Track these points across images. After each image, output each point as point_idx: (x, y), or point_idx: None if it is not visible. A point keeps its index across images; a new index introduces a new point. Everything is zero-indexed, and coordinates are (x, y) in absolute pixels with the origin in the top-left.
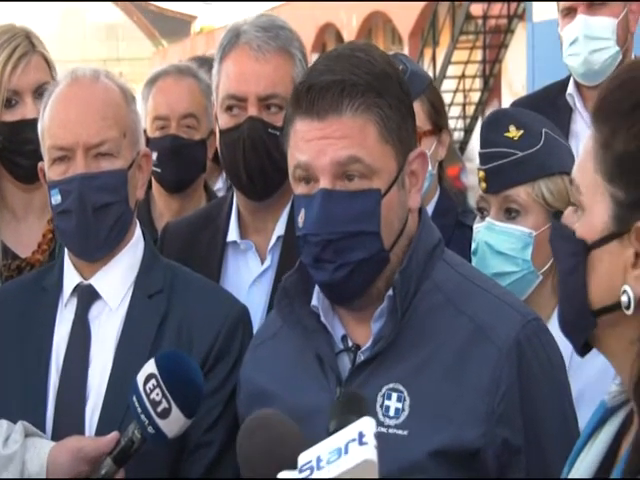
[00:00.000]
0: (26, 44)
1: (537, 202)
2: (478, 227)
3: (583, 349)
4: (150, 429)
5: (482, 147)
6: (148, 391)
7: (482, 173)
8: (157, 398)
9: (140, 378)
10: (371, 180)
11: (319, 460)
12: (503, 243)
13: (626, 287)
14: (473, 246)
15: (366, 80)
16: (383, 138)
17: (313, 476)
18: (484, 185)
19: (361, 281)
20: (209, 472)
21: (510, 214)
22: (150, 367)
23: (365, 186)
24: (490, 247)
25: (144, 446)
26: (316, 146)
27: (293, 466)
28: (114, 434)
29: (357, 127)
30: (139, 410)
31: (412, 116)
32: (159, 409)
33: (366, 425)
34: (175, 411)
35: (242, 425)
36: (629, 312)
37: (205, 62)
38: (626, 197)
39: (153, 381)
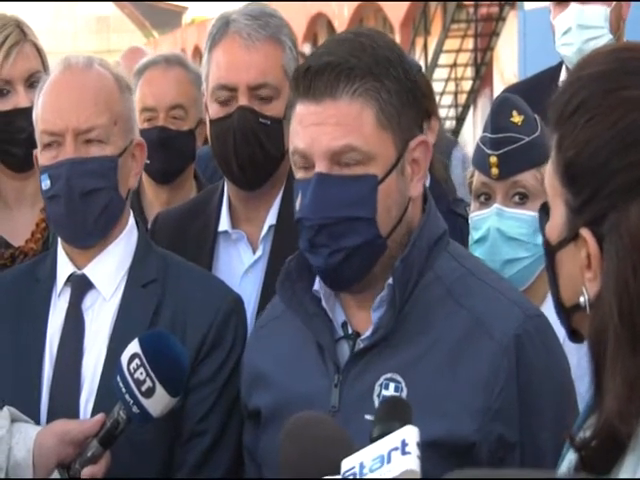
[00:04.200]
0: (17, 33)
1: (544, 186)
2: (482, 214)
3: (575, 336)
4: (135, 409)
5: (493, 132)
6: (132, 370)
7: (494, 158)
8: (141, 377)
9: (124, 358)
10: (368, 166)
11: (362, 467)
12: (514, 229)
13: (583, 289)
14: (480, 233)
15: (365, 64)
16: (380, 124)
17: None
18: (496, 171)
19: (357, 267)
20: (203, 461)
21: (519, 199)
22: (134, 347)
23: (361, 172)
24: (502, 233)
25: (130, 426)
26: (312, 133)
27: (336, 471)
28: (99, 416)
29: (353, 113)
30: (123, 390)
31: (416, 103)
32: (143, 388)
33: (409, 434)
34: (159, 390)
35: (287, 423)
36: (588, 312)
37: None
38: (574, 202)
39: (137, 360)
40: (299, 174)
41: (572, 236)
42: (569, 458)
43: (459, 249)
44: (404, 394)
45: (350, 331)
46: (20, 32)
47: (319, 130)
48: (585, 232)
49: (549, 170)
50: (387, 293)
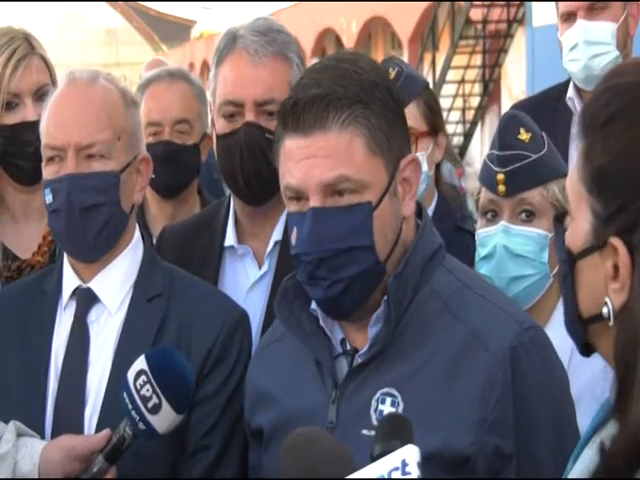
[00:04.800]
0: (25, 46)
1: (551, 204)
2: (489, 231)
3: (585, 350)
4: (141, 425)
5: (500, 150)
6: (138, 387)
7: (501, 176)
8: (147, 394)
9: (130, 374)
10: (362, 194)
11: None
12: (521, 246)
13: (606, 299)
14: (487, 250)
15: (352, 92)
16: (371, 150)
17: None
18: (502, 188)
19: (357, 296)
20: (207, 476)
21: (526, 216)
22: (140, 363)
23: (355, 200)
24: (508, 250)
25: (136, 442)
26: (303, 168)
27: None
28: (106, 432)
29: (343, 143)
30: (130, 406)
31: (403, 123)
32: (149, 405)
33: (410, 454)
34: (165, 406)
35: (288, 438)
36: (610, 323)
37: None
38: (603, 210)
39: (143, 377)
40: (292, 207)
41: (599, 244)
42: (583, 461)
43: (455, 263)
44: (400, 408)
45: (348, 347)
46: (28, 45)
47: (310, 164)
48: (616, 241)
49: (573, 177)
50: (383, 309)
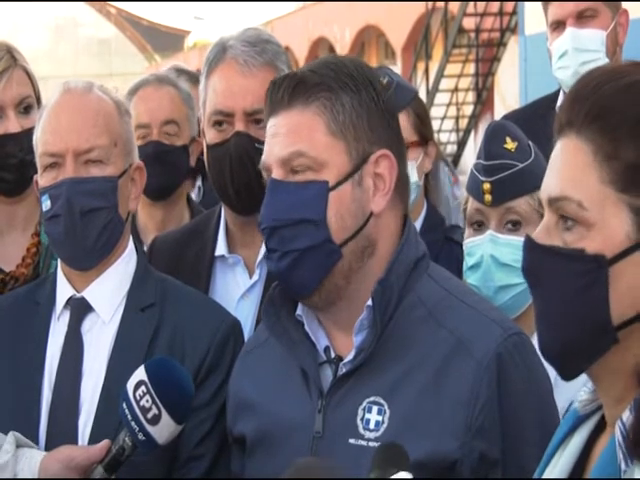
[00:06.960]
0: (8, 58)
1: (537, 212)
2: (476, 240)
3: (571, 373)
4: (140, 436)
5: (486, 159)
6: (138, 398)
7: (487, 185)
8: (147, 405)
9: (130, 385)
10: (319, 172)
11: None
12: (508, 255)
13: None
14: (474, 260)
15: (322, 77)
16: (331, 132)
17: None
18: (489, 197)
19: (309, 272)
20: None
21: (512, 226)
22: (140, 374)
23: (312, 177)
24: (495, 260)
25: (135, 453)
26: (268, 144)
27: None
28: (105, 442)
29: (304, 121)
30: (129, 417)
31: (382, 122)
32: (149, 415)
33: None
34: (165, 417)
35: (290, 467)
36: None
37: (183, 72)
38: None
39: (143, 388)
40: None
41: None
42: (553, 472)
43: (440, 271)
44: (387, 416)
45: (333, 355)
46: (10, 58)
47: (274, 141)
48: None
49: (587, 182)
50: (367, 315)
